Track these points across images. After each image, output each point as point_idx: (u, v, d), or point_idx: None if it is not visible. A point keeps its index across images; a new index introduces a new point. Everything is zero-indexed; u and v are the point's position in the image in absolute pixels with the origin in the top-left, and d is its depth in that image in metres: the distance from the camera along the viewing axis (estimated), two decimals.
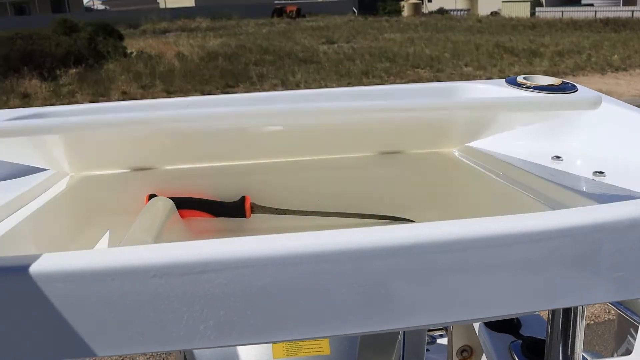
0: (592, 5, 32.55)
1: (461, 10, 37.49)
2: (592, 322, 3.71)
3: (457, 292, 0.53)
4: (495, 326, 1.39)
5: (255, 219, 1.02)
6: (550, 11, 31.76)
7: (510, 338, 1.35)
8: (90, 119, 0.74)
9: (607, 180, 0.80)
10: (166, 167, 1.01)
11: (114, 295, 0.49)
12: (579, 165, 0.88)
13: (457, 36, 21.24)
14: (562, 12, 30.59)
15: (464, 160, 1.03)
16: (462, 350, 1.61)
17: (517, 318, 1.38)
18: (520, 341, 1.32)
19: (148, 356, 3.42)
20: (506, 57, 16.15)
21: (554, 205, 0.78)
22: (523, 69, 14.42)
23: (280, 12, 36.60)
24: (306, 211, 1.04)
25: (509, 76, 1.02)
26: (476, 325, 1.44)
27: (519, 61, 15.59)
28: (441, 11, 36.48)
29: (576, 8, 31.77)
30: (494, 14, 34.08)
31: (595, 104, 0.80)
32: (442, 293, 0.53)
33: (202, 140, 0.90)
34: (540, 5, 34.43)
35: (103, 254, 0.50)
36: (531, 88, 0.93)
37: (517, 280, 0.54)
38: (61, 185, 0.96)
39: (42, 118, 0.86)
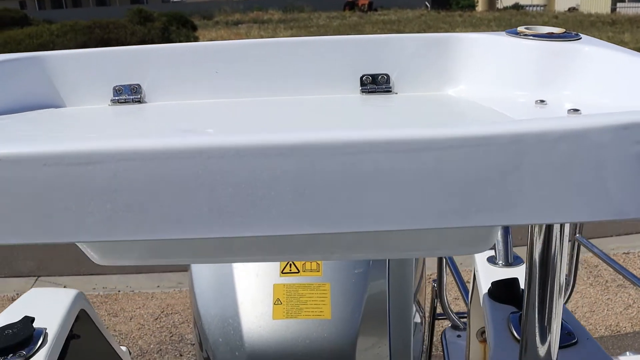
0: None
1: (537, 5, 36.39)
2: None
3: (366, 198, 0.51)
4: (498, 297, 1.34)
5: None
6: (633, 7, 30.36)
7: (511, 309, 1.30)
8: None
9: (579, 115, 0.74)
10: (153, 102, 1.02)
11: (3, 182, 0.49)
12: (561, 109, 0.82)
13: None
14: None
15: (449, 103, 0.98)
16: (482, 332, 1.57)
17: (522, 289, 1.33)
18: (520, 312, 1.27)
19: None
20: None
21: None
22: None
23: (352, 5, 36.50)
24: None
25: None
26: (482, 297, 1.40)
27: None
28: (516, 6, 35.50)
29: None
30: (572, 9, 32.89)
31: (595, 52, 0.75)
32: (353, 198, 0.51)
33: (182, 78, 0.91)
34: (622, 0, 33.01)
35: None
36: (529, 36, 0.89)
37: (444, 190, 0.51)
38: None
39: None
